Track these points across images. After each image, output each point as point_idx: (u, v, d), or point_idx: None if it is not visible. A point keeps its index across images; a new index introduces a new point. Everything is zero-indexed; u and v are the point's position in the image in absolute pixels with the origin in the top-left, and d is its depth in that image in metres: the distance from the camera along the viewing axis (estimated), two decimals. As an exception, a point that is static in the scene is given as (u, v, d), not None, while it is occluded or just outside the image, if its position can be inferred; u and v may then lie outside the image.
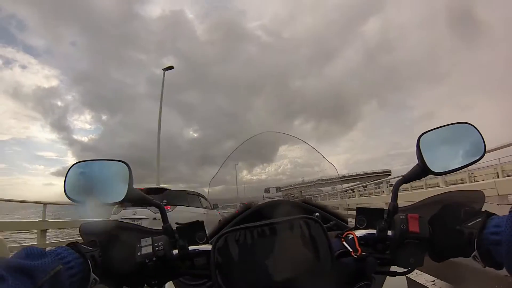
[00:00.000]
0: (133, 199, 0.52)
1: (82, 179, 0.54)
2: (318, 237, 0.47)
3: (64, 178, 0.53)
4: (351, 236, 0.51)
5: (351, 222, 0.71)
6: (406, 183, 0.56)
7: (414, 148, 0.53)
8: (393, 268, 0.53)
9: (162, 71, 15.87)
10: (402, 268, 0.50)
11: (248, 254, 0.46)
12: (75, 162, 0.54)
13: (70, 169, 0.54)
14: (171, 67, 16.37)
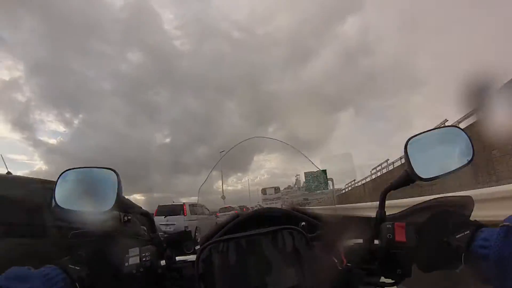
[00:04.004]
0: (122, 207, 0.52)
1: (72, 187, 0.54)
2: (301, 248, 0.45)
3: (53, 186, 0.53)
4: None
5: None
6: (393, 190, 0.54)
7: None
8: (383, 279, 0.52)
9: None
10: (391, 280, 0.50)
11: (231, 266, 0.44)
12: (64, 170, 0.54)
13: (60, 177, 0.54)
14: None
